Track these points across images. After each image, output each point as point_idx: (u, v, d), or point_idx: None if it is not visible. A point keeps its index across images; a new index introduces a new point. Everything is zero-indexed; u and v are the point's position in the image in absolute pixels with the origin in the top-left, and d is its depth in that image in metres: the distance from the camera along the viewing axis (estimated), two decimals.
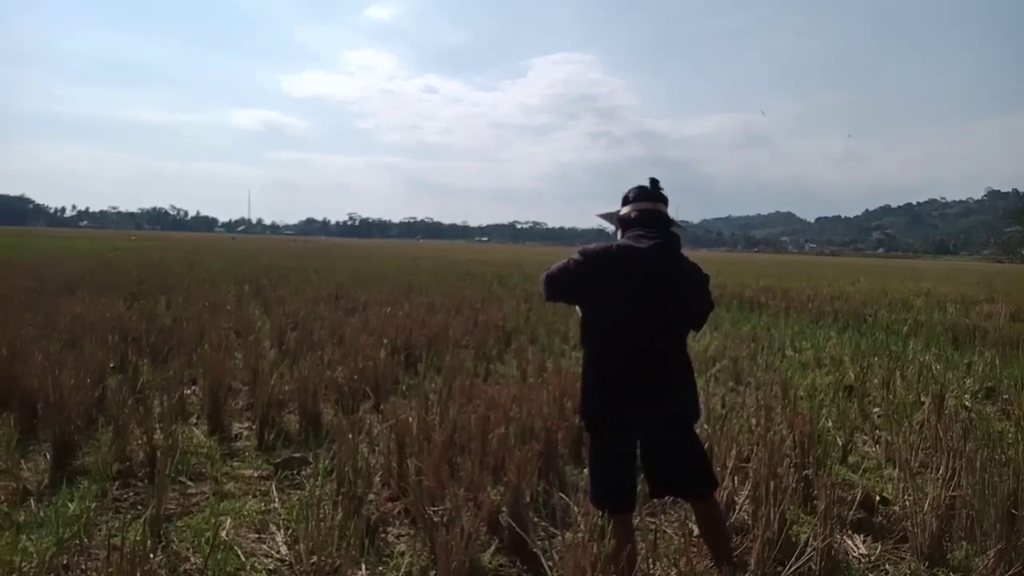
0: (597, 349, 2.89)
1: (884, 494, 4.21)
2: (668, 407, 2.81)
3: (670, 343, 2.87)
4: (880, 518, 3.91)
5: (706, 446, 4.70)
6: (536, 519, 3.62)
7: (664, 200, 2.96)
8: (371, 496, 3.84)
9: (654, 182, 2.96)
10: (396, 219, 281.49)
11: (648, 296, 2.76)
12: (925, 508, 3.48)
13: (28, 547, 3.09)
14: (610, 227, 3.15)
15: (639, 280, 2.76)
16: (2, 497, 3.67)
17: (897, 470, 4.30)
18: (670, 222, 2.95)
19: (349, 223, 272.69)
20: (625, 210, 2.98)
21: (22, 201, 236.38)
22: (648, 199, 2.94)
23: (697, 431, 3.03)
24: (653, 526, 3.66)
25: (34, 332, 6.90)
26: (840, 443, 5.01)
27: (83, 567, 2.99)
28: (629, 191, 3.00)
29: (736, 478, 3.80)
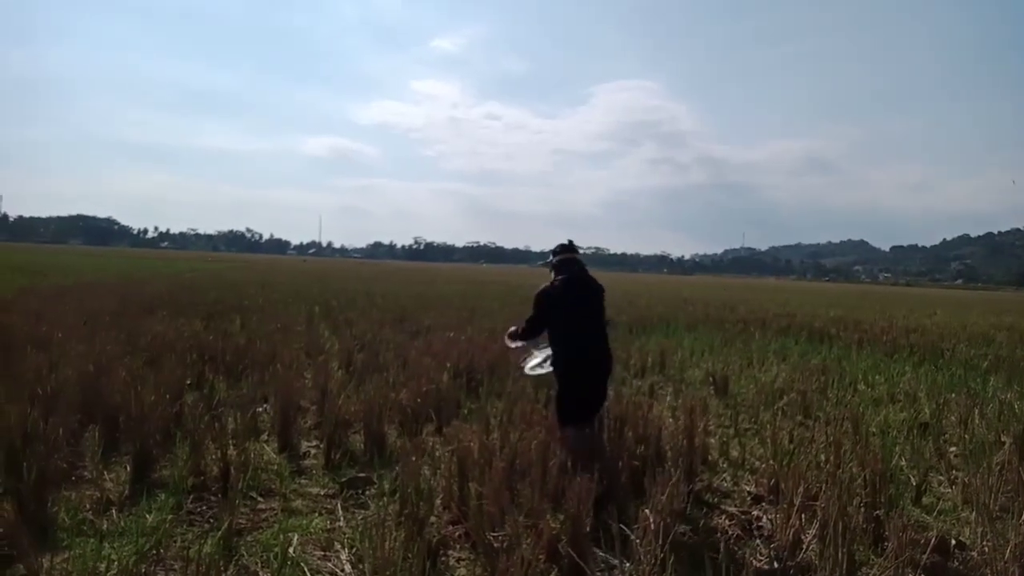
0: (561, 342, 4.79)
1: (961, 538, 4.03)
2: (603, 368, 4.83)
3: (598, 328, 4.85)
4: (956, 563, 3.73)
5: (771, 482, 4.64)
6: (595, 550, 3.61)
7: (576, 251, 4.99)
8: (432, 518, 3.89)
9: (570, 241, 5.01)
10: (459, 243, 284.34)
11: (579, 306, 4.79)
12: (1006, 555, 3.32)
13: (110, 554, 3.26)
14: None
15: (572, 298, 4.78)
16: (87, 505, 3.89)
17: (975, 513, 4.12)
18: (582, 264, 4.95)
19: (414, 247, 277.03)
20: (555, 260, 4.93)
21: (108, 222, 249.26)
22: (568, 251, 4.96)
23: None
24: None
25: (118, 350, 7.28)
26: (914, 483, 4.82)
27: None
28: (556, 247, 4.99)
29: (803, 516, 3.70)
